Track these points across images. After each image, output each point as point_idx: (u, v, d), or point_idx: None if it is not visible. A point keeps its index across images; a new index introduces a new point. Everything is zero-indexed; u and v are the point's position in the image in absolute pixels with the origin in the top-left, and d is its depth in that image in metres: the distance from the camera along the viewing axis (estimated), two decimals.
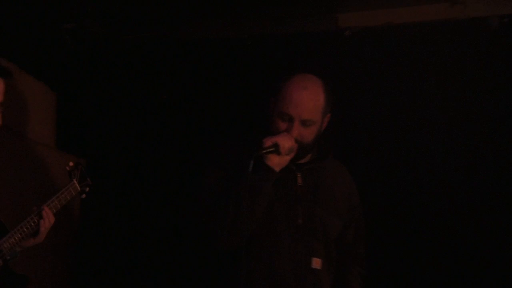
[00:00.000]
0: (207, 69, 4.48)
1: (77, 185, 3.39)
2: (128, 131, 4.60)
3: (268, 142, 3.08)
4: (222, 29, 4.47)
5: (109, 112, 4.62)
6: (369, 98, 4.18)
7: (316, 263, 3.19)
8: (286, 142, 3.10)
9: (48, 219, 3.17)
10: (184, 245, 4.37)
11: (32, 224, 3.14)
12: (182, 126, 4.51)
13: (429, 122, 4.09)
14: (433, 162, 4.07)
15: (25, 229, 3.12)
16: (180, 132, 4.52)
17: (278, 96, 3.16)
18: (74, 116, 4.59)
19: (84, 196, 3.45)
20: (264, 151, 3.07)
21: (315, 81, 3.18)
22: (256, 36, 4.40)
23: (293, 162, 3.19)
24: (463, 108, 4.05)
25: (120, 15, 4.40)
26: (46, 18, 4.27)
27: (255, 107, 3.52)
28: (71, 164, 3.41)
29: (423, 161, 4.09)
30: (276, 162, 3.11)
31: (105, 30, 4.53)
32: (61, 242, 4.35)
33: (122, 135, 4.61)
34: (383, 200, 4.08)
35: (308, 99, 3.13)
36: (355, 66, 4.21)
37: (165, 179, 4.51)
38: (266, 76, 4.05)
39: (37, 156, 4.22)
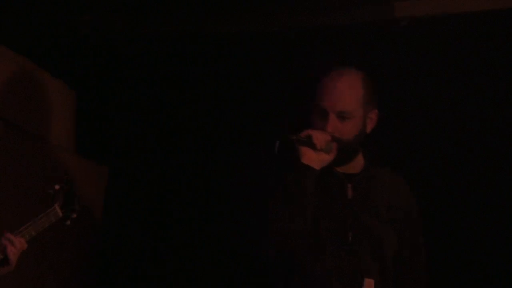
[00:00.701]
0: (239, 66, 4.17)
1: (59, 210, 3.11)
2: (154, 133, 4.31)
3: (301, 134, 2.81)
4: (255, 22, 4.15)
5: (133, 113, 4.33)
6: (424, 97, 3.82)
7: (369, 284, 2.84)
8: (320, 134, 2.80)
9: (15, 246, 2.94)
10: (221, 259, 4.08)
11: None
12: (215, 127, 4.22)
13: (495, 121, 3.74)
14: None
15: None
16: (213, 134, 4.23)
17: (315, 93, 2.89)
18: (95, 117, 4.33)
19: (68, 222, 3.19)
20: (295, 137, 2.78)
21: (353, 72, 2.88)
22: (295, 28, 4.07)
23: (342, 172, 2.91)
24: None
25: (144, 7, 4.15)
26: (63, 10, 4.03)
27: (297, 109, 3.20)
28: (56, 187, 3.14)
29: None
30: (313, 158, 2.79)
31: (126, 24, 4.27)
32: (82, 252, 4.18)
33: (148, 138, 4.31)
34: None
35: (342, 88, 2.82)
36: (410, 61, 3.86)
37: (193, 186, 4.22)
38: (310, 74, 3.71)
39: (58, 162, 4.03)
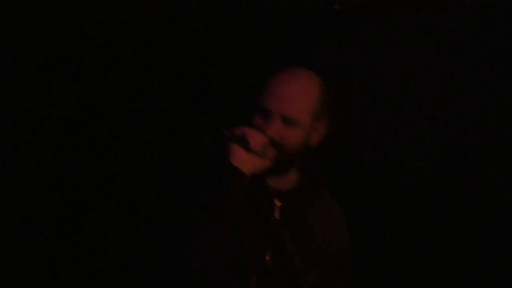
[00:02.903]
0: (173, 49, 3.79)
1: None
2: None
3: (236, 130, 2.47)
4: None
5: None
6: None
7: None
8: (257, 135, 2.46)
9: None
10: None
11: None
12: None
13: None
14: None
15: None
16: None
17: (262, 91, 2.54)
18: None
19: None
20: (228, 132, 2.44)
21: (308, 75, 2.55)
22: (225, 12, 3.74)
23: (272, 186, 2.58)
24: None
25: None
26: None
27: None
28: None
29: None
30: (244, 159, 2.44)
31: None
32: None
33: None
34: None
35: (293, 91, 2.50)
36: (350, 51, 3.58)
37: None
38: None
39: None
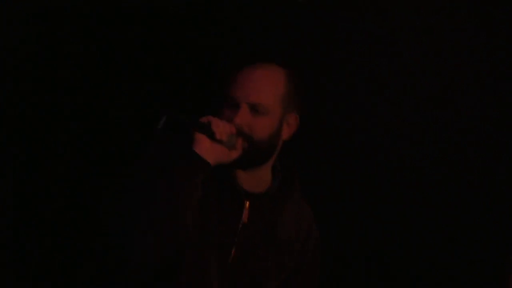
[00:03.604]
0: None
1: None
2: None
3: (200, 118, 2.39)
4: None
5: None
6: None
7: None
8: (222, 123, 2.38)
9: None
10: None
11: None
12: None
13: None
14: None
15: None
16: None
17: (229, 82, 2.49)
18: None
19: None
20: (191, 119, 2.35)
21: (276, 66, 2.50)
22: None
23: (243, 188, 2.50)
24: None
25: None
26: None
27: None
28: None
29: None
30: (208, 148, 2.35)
31: None
32: None
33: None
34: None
35: (260, 78, 2.45)
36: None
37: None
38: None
39: None
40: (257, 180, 2.54)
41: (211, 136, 2.37)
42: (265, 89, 2.45)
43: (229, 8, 3.71)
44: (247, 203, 2.51)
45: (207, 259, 2.45)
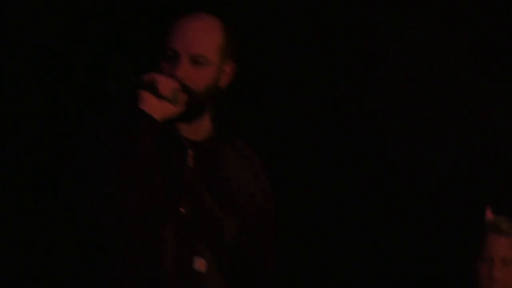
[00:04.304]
0: None
1: None
2: None
3: (145, 76, 2.45)
4: None
5: None
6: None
7: (200, 264, 2.54)
8: (166, 80, 2.46)
9: None
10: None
11: None
12: None
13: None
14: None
15: None
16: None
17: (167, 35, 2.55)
18: None
19: None
20: (136, 79, 2.43)
21: (211, 17, 2.59)
22: None
23: (184, 136, 2.56)
24: None
25: None
26: None
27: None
28: None
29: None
30: (155, 106, 2.43)
31: None
32: None
33: None
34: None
35: (198, 29, 2.53)
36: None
37: None
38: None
39: None
40: (198, 129, 2.61)
41: (156, 93, 2.44)
42: (203, 39, 2.52)
43: None
44: (191, 151, 2.57)
45: (157, 210, 2.50)
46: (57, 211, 2.97)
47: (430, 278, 3.98)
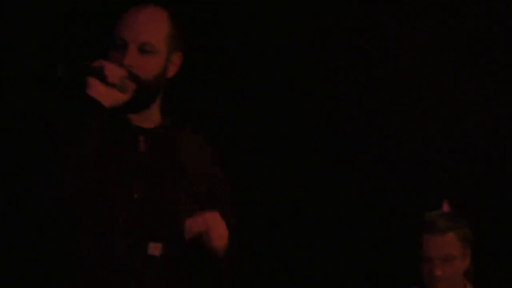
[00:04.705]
0: None
1: None
2: None
3: (93, 63, 2.50)
4: None
5: None
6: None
7: (155, 249, 2.57)
8: (114, 67, 2.50)
9: None
10: None
11: None
12: None
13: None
14: None
15: None
16: None
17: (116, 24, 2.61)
18: None
19: None
20: (85, 64, 2.46)
21: (159, 7, 2.64)
22: None
23: (135, 123, 2.61)
24: None
25: None
26: None
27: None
28: None
29: None
30: (102, 92, 2.48)
31: None
32: None
33: None
34: None
35: (146, 18, 2.59)
36: None
37: None
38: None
39: None
40: (147, 117, 2.66)
41: (104, 80, 2.48)
42: (151, 28, 2.59)
43: None
44: (142, 137, 2.62)
45: (110, 197, 2.53)
46: (8, 193, 3.01)
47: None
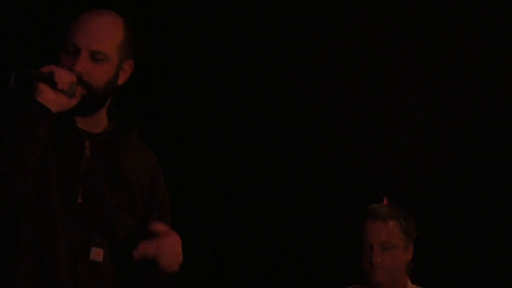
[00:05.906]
0: None
1: None
2: None
3: (43, 69, 2.47)
4: None
5: None
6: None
7: (97, 254, 2.57)
8: (64, 73, 2.48)
9: None
10: None
11: None
12: None
13: None
14: None
15: None
16: None
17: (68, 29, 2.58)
18: None
19: None
20: (35, 71, 2.44)
21: (113, 14, 2.62)
22: None
23: (82, 128, 2.59)
24: None
25: None
26: None
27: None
28: None
29: None
30: (51, 98, 2.46)
31: None
32: None
33: None
34: None
35: (100, 25, 2.57)
36: None
37: None
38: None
39: None
40: (95, 123, 2.66)
41: (53, 86, 2.47)
42: (105, 36, 2.57)
43: None
44: (87, 142, 2.61)
45: (53, 201, 2.53)
46: None
47: None
